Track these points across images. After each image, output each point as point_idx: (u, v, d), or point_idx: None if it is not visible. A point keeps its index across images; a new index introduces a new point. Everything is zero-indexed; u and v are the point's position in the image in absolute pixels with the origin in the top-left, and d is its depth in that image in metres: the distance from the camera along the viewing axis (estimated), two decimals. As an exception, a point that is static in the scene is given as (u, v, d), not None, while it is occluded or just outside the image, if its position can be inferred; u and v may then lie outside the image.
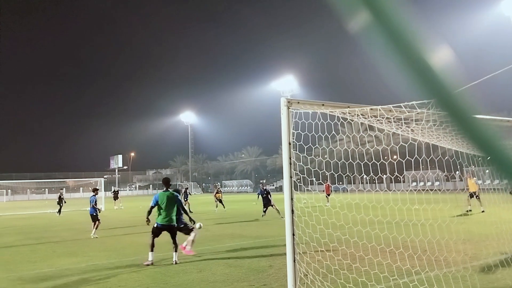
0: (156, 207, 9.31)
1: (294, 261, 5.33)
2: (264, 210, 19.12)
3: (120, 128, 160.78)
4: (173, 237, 9.26)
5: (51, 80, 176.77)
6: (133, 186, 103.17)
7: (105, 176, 59.25)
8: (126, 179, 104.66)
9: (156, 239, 9.17)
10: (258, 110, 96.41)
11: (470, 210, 17.24)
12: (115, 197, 34.97)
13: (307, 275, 6.01)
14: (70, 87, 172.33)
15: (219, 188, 26.72)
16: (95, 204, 15.15)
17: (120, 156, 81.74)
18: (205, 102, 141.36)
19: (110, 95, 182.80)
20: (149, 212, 9.43)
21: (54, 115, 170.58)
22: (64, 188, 31.48)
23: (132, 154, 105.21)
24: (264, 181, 19.57)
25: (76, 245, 12.48)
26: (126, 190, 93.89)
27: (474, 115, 0.86)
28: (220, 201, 25.38)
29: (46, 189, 67.63)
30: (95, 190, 15.98)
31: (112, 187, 54.21)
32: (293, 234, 5.25)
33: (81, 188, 37.58)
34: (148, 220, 9.52)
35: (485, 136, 0.86)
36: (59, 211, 26.58)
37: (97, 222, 14.59)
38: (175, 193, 9.67)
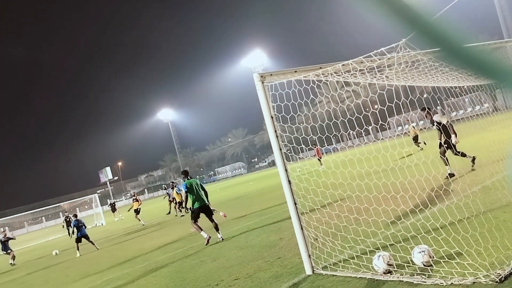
0: (189, 194, 10.34)
1: (302, 228, 5.43)
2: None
3: (103, 141, 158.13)
4: (210, 216, 10.32)
5: (22, 110, 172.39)
6: (128, 194, 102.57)
7: (98, 191, 58.71)
8: (119, 189, 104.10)
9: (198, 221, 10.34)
10: (234, 91, 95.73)
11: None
12: (113, 209, 35.01)
13: (317, 239, 6.13)
14: (43, 115, 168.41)
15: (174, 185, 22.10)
16: (78, 228, 15.69)
17: (108, 168, 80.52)
18: (181, 95, 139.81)
19: (85, 112, 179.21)
20: (187, 199, 10.42)
21: (33, 144, 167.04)
22: (67, 212, 31.39)
23: (120, 163, 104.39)
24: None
25: (86, 265, 12.47)
26: (122, 200, 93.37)
27: (461, 39, 0.87)
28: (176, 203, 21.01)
29: (43, 217, 66.79)
30: (74, 216, 16.69)
31: (108, 200, 53.86)
32: (295, 203, 5.33)
33: (77, 209, 37.46)
34: (187, 209, 10.98)
35: (479, 56, 0.87)
36: (69, 233, 26.56)
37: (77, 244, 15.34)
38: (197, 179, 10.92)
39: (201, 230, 10.21)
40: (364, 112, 5.90)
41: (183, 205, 18.75)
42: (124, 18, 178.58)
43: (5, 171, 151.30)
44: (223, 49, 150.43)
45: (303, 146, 5.80)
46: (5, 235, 17.51)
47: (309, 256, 5.47)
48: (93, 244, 15.40)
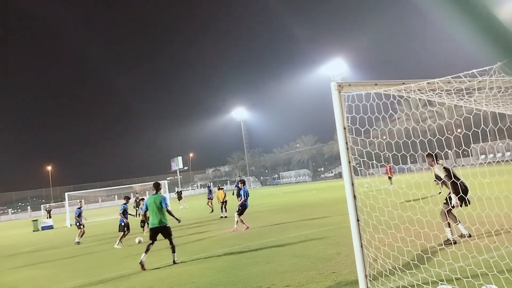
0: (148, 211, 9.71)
1: (362, 246, 5.23)
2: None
3: (178, 131, 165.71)
4: (168, 237, 9.58)
5: (111, 97, 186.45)
6: (195, 185, 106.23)
7: (168, 178, 61.72)
8: (187, 179, 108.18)
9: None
10: (309, 98, 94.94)
11: None
12: (179, 197, 36.69)
13: (376, 259, 5.87)
14: (130, 101, 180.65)
15: (219, 186, 22.55)
16: (124, 213, 14.98)
17: (180, 158, 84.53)
18: (255, 96, 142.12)
19: (166, 102, 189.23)
20: (145, 216, 9.49)
21: (116, 127, 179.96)
22: (138, 194, 33.62)
23: (191, 154, 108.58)
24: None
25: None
26: (188, 189, 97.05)
27: None
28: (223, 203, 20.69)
29: (116, 196, 71.58)
30: (126, 198, 15.53)
31: (176, 188, 56.33)
32: (358, 220, 5.15)
33: (147, 192, 39.61)
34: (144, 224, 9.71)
35: None
36: (136, 213, 28.51)
37: (123, 233, 14.49)
38: (162, 195, 9.91)
39: (145, 252, 9.26)
40: (446, 135, 5.55)
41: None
42: (208, 19, 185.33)
43: (89, 149, 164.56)
44: (304, 54, 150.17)
45: (375, 161, 5.59)
46: (81, 207, 17.87)
47: (366, 276, 5.25)
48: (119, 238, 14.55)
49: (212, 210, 24.50)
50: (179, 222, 10.39)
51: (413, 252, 6.12)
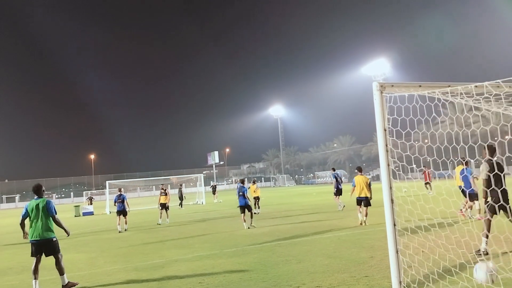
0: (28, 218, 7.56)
1: (397, 252, 5.10)
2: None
3: (216, 126, 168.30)
4: (52, 254, 7.43)
5: (156, 93, 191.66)
6: (229, 180, 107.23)
7: (204, 172, 62.56)
8: (223, 174, 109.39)
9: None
10: (349, 98, 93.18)
11: None
12: (214, 191, 37.35)
13: (411, 266, 5.72)
14: (172, 96, 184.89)
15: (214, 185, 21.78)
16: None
17: (216, 153, 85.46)
18: (294, 94, 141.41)
19: (206, 97, 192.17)
20: (22, 225, 7.71)
21: (157, 121, 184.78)
22: (183, 184, 34.70)
23: (227, 150, 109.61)
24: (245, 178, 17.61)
25: (182, 238, 13.39)
26: (223, 184, 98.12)
27: None
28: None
29: (154, 186, 73.56)
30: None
31: (211, 182, 57.10)
32: (394, 224, 5.02)
33: (183, 184, 40.63)
34: (25, 234, 7.65)
35: None
36: (181, 204, 30.91)
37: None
38: (49, 200, 7.79)
39: (35, 278, 7.19)
40: (490, 141, 5.30)
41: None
42: (249, 14, 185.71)
43: (130, 141, 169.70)
44: (345, 53, 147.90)
45: (414, 166, 5.44)
46: (120, 195, 18.32)
47: (400, 282, 5.12)
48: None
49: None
50: (68, 235, 8.12)
51: (451, 260, 5.91)
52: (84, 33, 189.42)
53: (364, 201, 13.13)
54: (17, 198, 79.78)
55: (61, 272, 7.38)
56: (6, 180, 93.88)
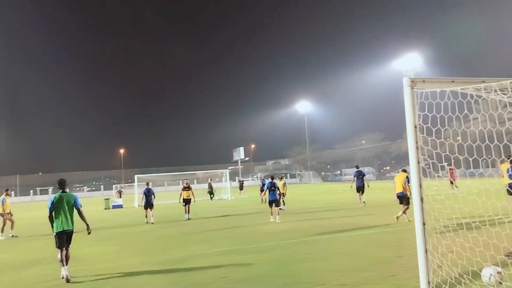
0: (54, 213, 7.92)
1: (426, 251, 4.98)
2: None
3: (241, 122, 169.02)
4: (67, 243, 7.88)
5: (183, 91, 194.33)
6: (255, 176, 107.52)
7: (229, 168, 63.03)
8: (248, 170, 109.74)
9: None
10: (378, 93, 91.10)
11: None
12: (241, 187, 37.75)
13: (441, 266, 5.57)
14: (198, 93, 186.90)
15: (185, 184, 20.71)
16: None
17: (242, 148, 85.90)
18: (321, 89, 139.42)
19: (232, 93, 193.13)
20: (51, 218, 7.93)
21: (184, 117, 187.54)
22: (211, 178, 35.54)
23: (253, 146, 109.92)
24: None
25: (206, 233, 13.52)
26: (248, 180, 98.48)
27: None
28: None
29: (180, 181, 74.55)
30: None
31: (236, 177, 57.46)
32: (423, 223, 4.90)
33: (209, 179, 41.00)
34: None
35: None
36: (211, 198, 32.50)
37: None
38: (75, 195, 8.29)
39: (63, 265, 7.66)
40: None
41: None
42: (276, 10, 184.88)
43: (158, 136, 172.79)
44: (376, 47, 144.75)
45: (445, 164, 5.28)
46: (149, 189, 18.66)
47: (429, 282, 4.99)
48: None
49: (262, 201, 25.09)
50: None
51: (482, 262, 5.72)
52: (121, 31, 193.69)
53: (401, 198, 13.21)
54: (50, 190, 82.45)
55: (67, 262, 7.77)
56: (40, 173, 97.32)
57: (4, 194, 15.53)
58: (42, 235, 15.04)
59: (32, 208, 38.90)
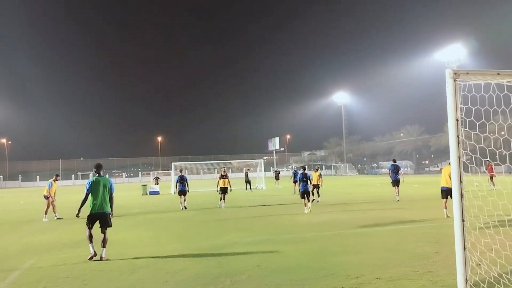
0: (91, 196, 8.36)
1: (464, 248, 4.84)
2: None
3: (277, 112, 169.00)
4: (103, 228, 8.28)
5: (220, 80, 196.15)
6: (289, 166, 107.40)
7: (264, 158, 63.18)
8: (283, 160, 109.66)
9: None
10: (419, 85, 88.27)
11: None
12: (277, 177, 37.91)
13: (480, 264, 5.41)
14: (236, 84, 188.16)
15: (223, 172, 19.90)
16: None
17: (277, 139, 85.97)
18: (359, 79, 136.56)
19: (267, 84, 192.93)
20: (83, 203, 8.39)
21: (221, 107, 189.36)
22: (248, 168, 36.16)
23: (288, 136, 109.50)
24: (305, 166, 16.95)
25: (241, 221, 13.68)
26: (283, 170, 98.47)
27: None
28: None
29: (216, 170, 75.65)
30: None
31: (271, 168, 57.60)
32: (463, 220, 4.76)
33: (244, 169, 41.33)
34: (79, 213, 8.59)
35: None
36: (249, 187, 32.99)
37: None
38: (111, 179, 8.77)
39: (90, 242, 8.23)
40: None
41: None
42: (317, 3, 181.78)
43: (195, 125, 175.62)
44: (417, 38, 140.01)
45: (489, 159, 5.08)
46: (182, 176, 19.10)
47: (466, 280, 4.86)
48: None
49: (294, 192, 25.30)
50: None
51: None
52: (155, 25, 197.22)
53: (445, 191, 12.54)
54: (90, 174, 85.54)
55: (104, 244, 8.22)
56: (81, 158, 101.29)
57: (53, 178, 16.38)
58: (83, 218, 15.71)
59: (74, 191, 40.68)
